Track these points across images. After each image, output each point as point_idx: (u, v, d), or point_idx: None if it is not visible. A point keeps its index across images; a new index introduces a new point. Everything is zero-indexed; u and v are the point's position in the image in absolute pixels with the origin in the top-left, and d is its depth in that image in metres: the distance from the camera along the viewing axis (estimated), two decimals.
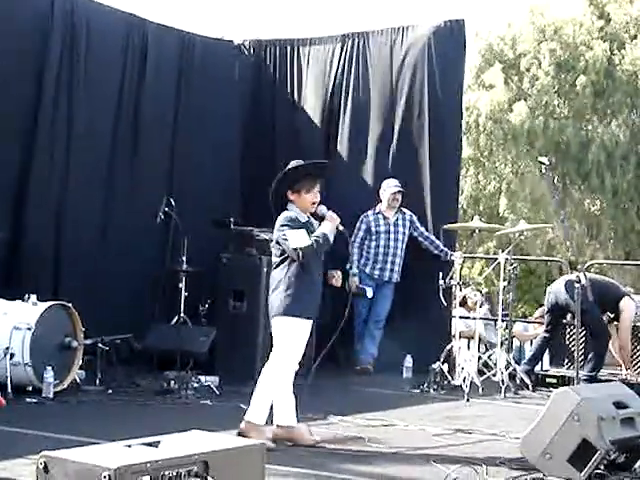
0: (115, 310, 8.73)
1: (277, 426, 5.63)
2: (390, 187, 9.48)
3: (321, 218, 5.73)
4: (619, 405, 4.96)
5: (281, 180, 5.69)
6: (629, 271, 18.51)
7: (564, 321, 8.95)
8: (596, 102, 18.67)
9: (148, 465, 3.15)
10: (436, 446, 5.67)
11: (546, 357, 9.33)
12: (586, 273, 7.46)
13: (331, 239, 5.64)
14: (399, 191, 9.44)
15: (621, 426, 4.85)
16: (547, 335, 8.82)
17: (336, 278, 5.83)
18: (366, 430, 6.12)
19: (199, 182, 9.69)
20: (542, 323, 9.42)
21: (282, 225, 5.59)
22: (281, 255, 5.62)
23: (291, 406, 5.63)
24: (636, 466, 4.92)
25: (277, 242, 5.63)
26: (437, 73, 9.66)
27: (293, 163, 5.76)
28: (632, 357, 8.86)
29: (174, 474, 3.22)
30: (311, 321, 5.63)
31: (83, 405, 6.82)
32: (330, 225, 5.64)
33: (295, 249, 5.50)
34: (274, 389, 5.58)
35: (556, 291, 8.68)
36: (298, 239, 5.51)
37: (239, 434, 5.40)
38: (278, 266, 5.64)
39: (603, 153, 17.82)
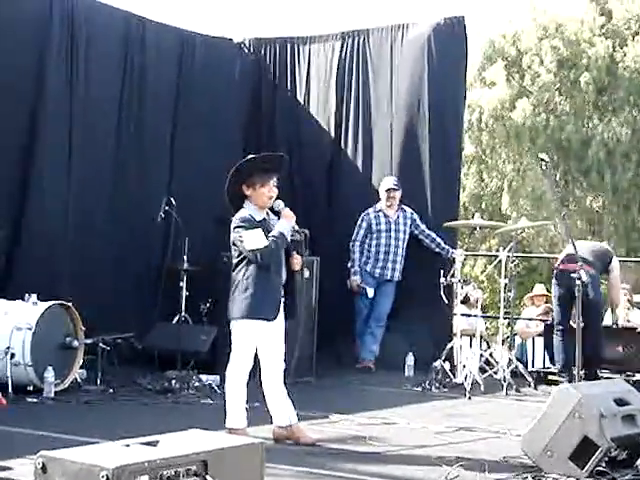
0: (116, 309, 8.71)
1: (277, 426, 5.62)
2: (385, 185, 9.48)
3: (278, 213, 5.61)
4: (620, 402, 4.96)
5: (235, 175, 5.54)
6: (631, 268, 18.45)
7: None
8: (598, 99, 18.62)
9: (146, 464, 3.15)
10: (438, 444, 5.65)
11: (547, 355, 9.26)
12: (585, 267, 7.32)
13: (288, 237, 5.53)
14: (392, 189, 9.42)
15: (622, 423, 4.85)
16: (562, 327, 8.49)
17: (297, 262, 5.66)
18: (367, 428, 6.11)
19: (199, 181, 9.66)
20: (544, 320, 9.35)
21: (236, 227, 5.49)
22: (239, 256, 5.52)
23: (288, 405, 5.61)
24: (638, 463, 4.91)
25: (234, 244, 5.53)
26: (438, 70, 9.62)
27: (247, 157, 5.63)
28: None
29: (172, 473, 3.21)
30: (272, 322, 5.49)
31: (84, 405, 6.80)
32: (286, 223, 5.53)
33: (252, 250, 5.41)
34: (232, 391, 5.53)
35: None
36: (254, 240, 5.40)
37: None
38: (236, 267, 5.54)
39: (603, 150, 17.76)
